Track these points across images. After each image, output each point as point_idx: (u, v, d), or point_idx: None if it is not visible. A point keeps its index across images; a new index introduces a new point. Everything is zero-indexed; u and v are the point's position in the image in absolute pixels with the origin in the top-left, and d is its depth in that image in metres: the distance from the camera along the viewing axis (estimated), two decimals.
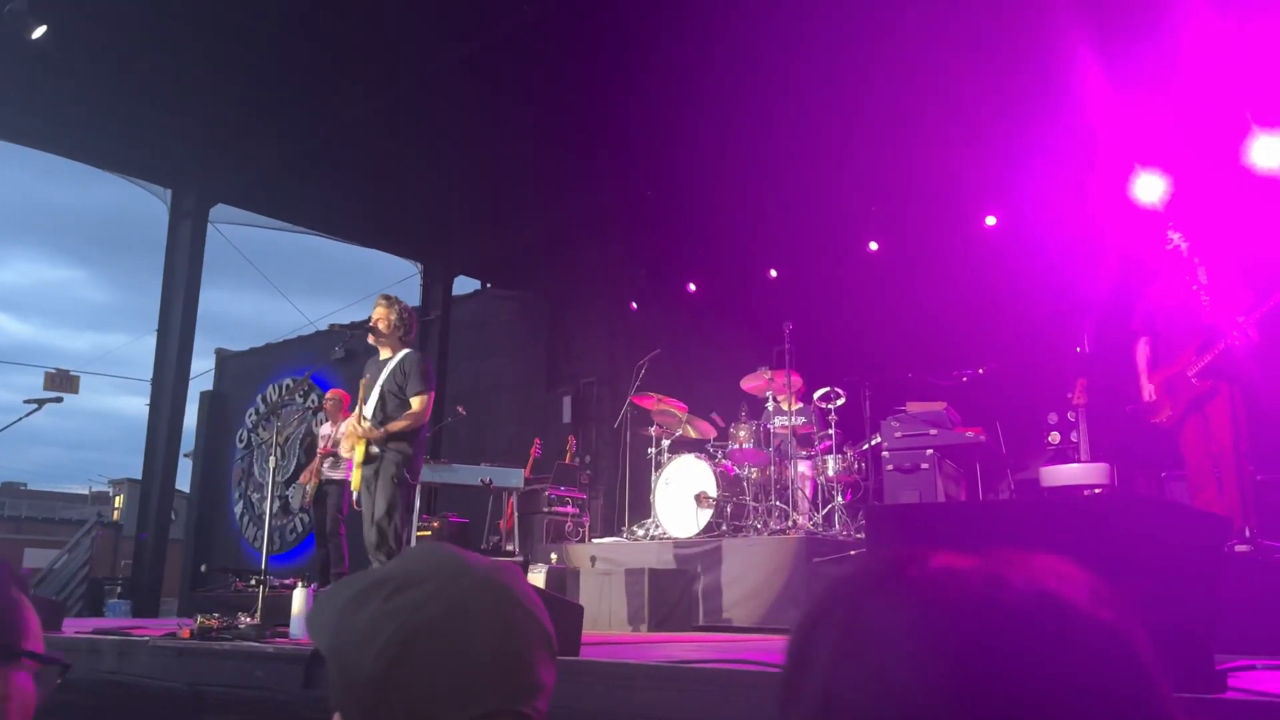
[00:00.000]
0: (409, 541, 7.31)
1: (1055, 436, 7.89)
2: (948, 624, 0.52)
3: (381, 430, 5.41)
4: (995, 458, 7.24)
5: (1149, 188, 7.40)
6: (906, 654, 0.52)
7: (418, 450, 5.56)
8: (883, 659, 0.53)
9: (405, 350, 5.64)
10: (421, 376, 5.52)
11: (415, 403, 5.47)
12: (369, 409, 5.51)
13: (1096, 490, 6.53)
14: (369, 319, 5.74)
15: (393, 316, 5.66)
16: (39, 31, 7.24)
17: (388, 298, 5.77)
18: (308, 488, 8.49)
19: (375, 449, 5.41)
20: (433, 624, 0.80)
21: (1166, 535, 2.66)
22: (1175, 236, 5.69)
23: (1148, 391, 5.72)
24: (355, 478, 5.52)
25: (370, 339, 5.73)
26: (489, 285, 13.38)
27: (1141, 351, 5.90)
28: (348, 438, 5.63)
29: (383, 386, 5.54)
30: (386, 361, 5.63)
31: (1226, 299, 5.38)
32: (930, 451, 6.66)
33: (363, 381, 5.70)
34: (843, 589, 0.59)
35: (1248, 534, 4.80)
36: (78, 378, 14.08)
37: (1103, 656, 0.52)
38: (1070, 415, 7.57)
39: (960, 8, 6.90)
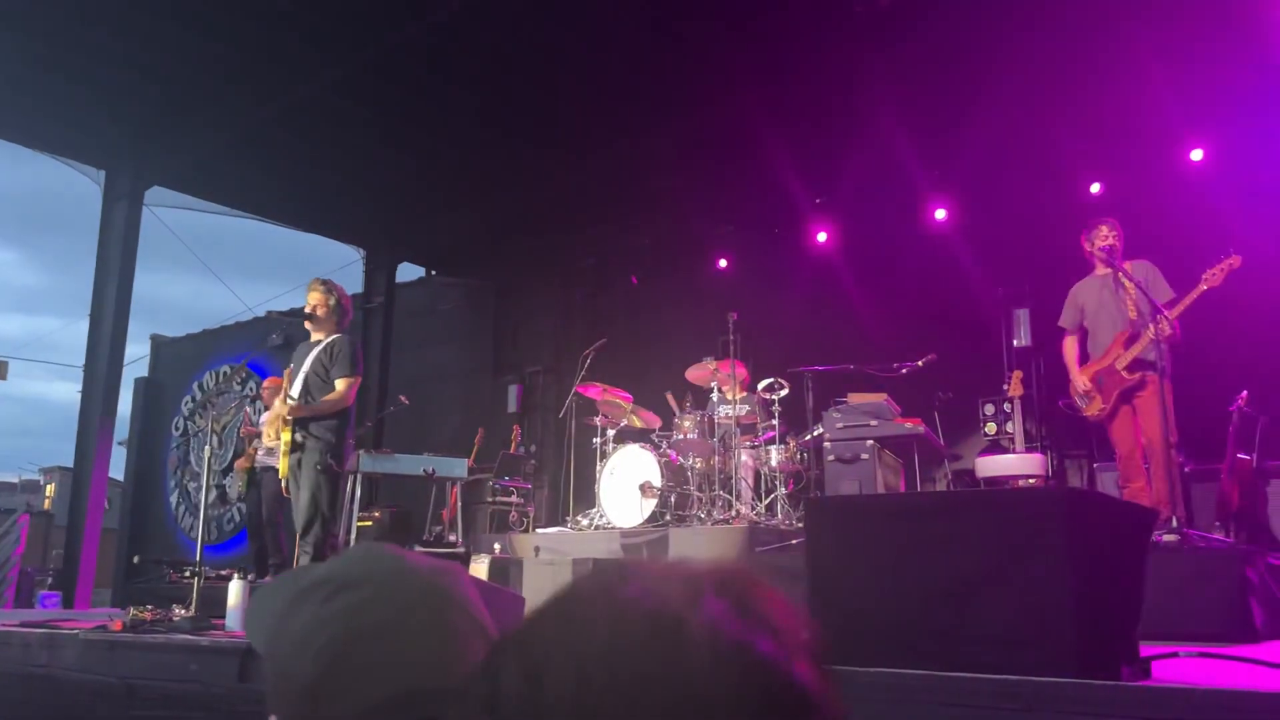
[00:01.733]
0: (350, 532, 7.24)
1: (991, 427, 8.04)
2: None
3: (305, 408, 5.29)
4: (933, 448, 7.36)
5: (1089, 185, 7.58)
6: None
7: (343, 437, 5.44)
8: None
9: (336, 334, 5.56)
10: (349, 360, 5.43)
11: (339, 384, 5.37)
12: (294, 393, 5.42)
13: (1031, 480, 6.67)
14: (306, 305, 5.65)
15: (331, 301, 5.57)
16: None
17: (324, 282, 5.67)
18: (239, 480, 8.35)
19: (299, 437, 5.30)
20: (371, 630, 0.78)
21: (1095, 526, 2.73)
22: (1109, 234, 5.84)
23: (1082, 383, 5.86)
24: (282, 465, 5.42)
25: (306, 324, 5.63)
26: (434, 272, 13.24)
27: (1070, 348, 6.07)
28: (270, 423, 5.52)
29: (308, 370, 5.44)
30: (315, 344, 5.54)
31: (1151, 293, 5.53)
32: (871, 442, 6.75)
33: (287, 371, 5.61)
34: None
35: (1175, 524, 4.93)
36: (6, 363, 13.71)
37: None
38: (1006, 406, 7.72)
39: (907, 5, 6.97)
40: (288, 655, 0.79)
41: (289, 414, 5.29)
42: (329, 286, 5.64)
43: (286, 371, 5.67)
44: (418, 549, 4.95)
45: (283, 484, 5.45)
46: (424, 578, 0.83)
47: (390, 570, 0.83)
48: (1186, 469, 6.26)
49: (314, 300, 5.56)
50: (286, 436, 5.28)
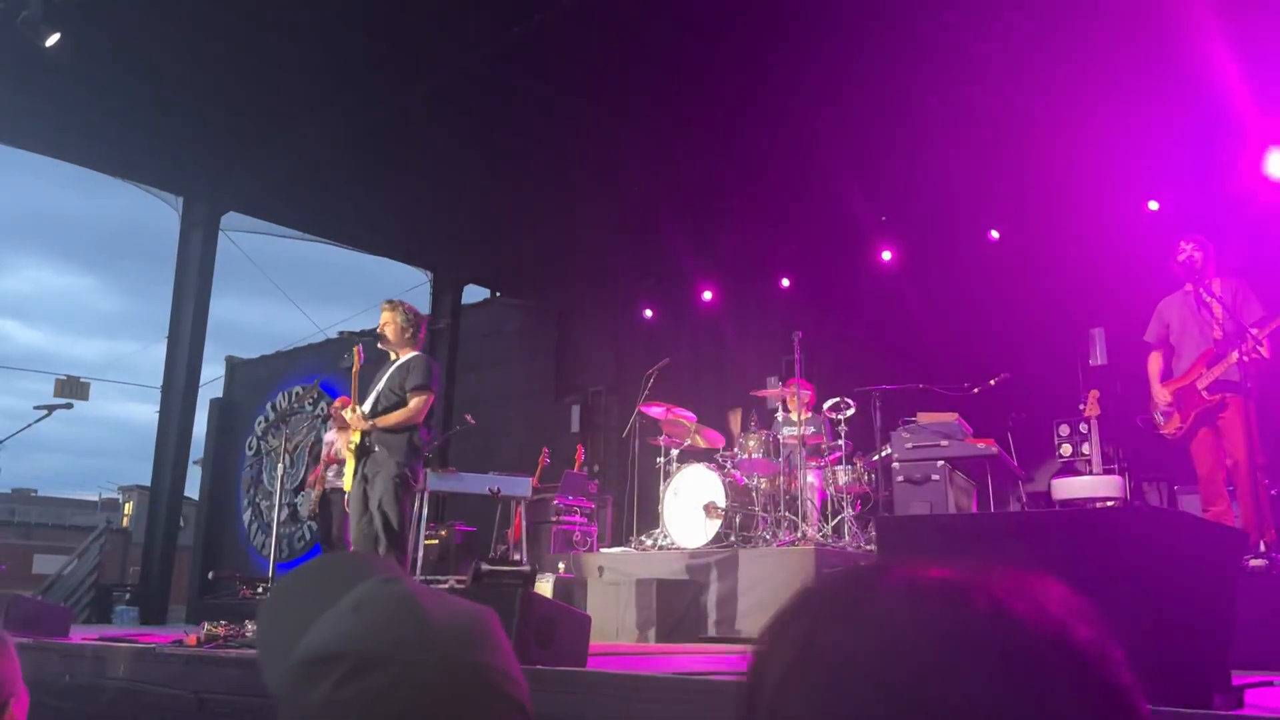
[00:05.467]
0: (416, 549, 7.29)
1: (1067, 448, 7.83)
2: (897, 650, 0.50)
3: (370, 423, 5.32)
4: (1006, 469, 7.18)
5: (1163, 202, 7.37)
6: (854, 682, 0.50)
7: (416, 453, 5.44)
8: (830, 686, 0.51)
9: (413, 352, 5.63)
10: (424, 374, 5.45)
11: (412, 400, 5.38)
12: (365, 407, 5.47)
13: (1109, 503, 6.47)
14: (378, 325, 5.73)
15: (399, 319, 5.63)
16: (52, 39, 7.26)
17: (391, 302, 5.75)
18: (313, 494, 8.48)
19: (367, 442, 5.33)
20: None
21: (1181, 548, 2.62)
22: (1188, 248, 5.64)
23: (1162, 397, 5.66)
24: (347, 478, 5.45)
25: (380, 345, 5.71)
26: (499, 294, 13.38)
27: (1154, 363, 5.86)
28: (340, 433, 5.55)
29: (382, 386, 5.49)
30: (393, 362, 5.62)
31: (1238, 311, 5.34)
32: (941, 463, 6.61)
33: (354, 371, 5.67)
34: (800, 606, 0.56)
35: (1262, 548, 4.74)
36: (88, 384, 14.15)
37: (1062, 685, 0.49)
38: (1082, 427, 7.52)
39: (970, 23, 6.88)
40: None
41: (353, 425, 5.34)
42: (395, 305, 5.72)
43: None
44: (484, 566, 4.96)
45: (345, 498, 5.49)
46: (445, 651, 0.78)
47: (409, 644, 0.77)
48: (1273, 491, 6.01)
49: (382, 320, 5.66)
50: (357, 437, 5.31)
